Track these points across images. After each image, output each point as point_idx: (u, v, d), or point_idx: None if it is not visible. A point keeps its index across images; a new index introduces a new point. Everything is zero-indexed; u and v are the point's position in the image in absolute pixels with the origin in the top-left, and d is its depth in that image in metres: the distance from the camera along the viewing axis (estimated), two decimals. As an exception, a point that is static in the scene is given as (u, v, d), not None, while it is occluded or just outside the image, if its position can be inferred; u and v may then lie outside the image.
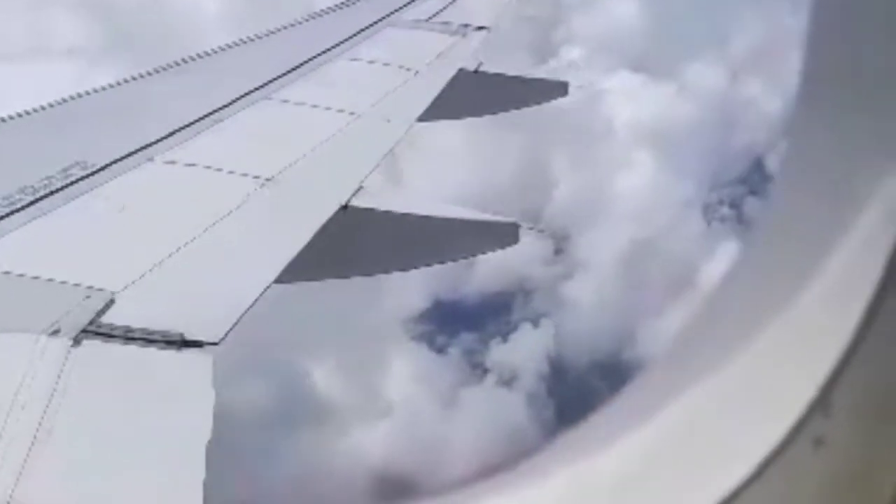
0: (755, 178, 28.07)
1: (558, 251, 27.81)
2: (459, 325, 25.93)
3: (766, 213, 2.30)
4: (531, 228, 5.61)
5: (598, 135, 31.03)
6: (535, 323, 26.45)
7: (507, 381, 25.01)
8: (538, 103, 8.20)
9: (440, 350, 25.39)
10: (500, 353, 25.60)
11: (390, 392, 23.58)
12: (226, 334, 3.58)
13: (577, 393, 23.89)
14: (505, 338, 25.92)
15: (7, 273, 3.84)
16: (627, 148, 31.18)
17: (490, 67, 8.00)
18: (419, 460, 20.92)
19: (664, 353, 2.22)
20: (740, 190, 29.21)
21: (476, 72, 7.84)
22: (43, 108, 6.06)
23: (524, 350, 25.65)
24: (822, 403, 1.72)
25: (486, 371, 25.38)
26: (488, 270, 24.75)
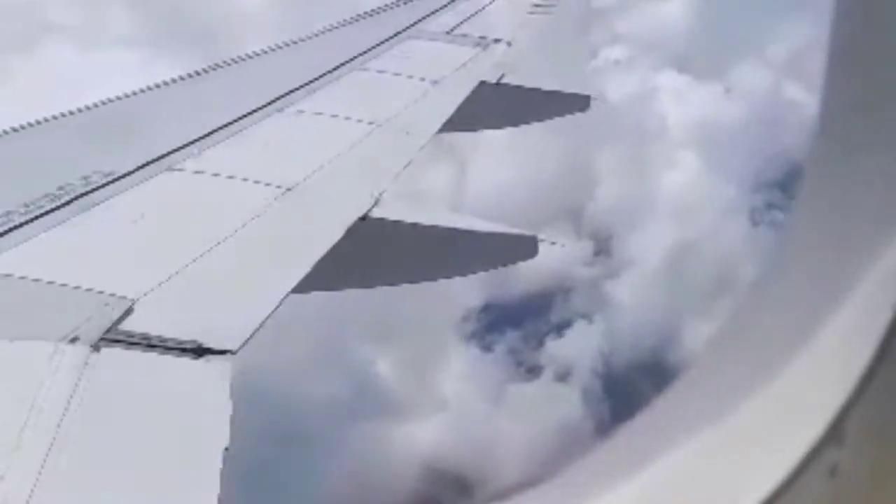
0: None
1: (599, 252, 27.78)
2: (508, 324, 25.99)
3: (781, 243, 2.29)
4: (553, 243, 5.59)
5: (643, 134, 31.00)
6: (581, 322, 26.42)
7: (563, 377, 25.06)
8: (560, 116, 8.20)
9: (490, 348, 25.46)
10: (554, 350, 25.64)
11: (444, 389, 23.66)
12: (244, 343, 3.59)
13: (627, 391, 23.86)
14: (559, 334, 25.95)
15: (27, 279, 3.86)
16: (673, 148, 31.09)
17: (517, 79, 7.99)
18: (473, 456, 20.93)
19: (682, 380, 2.21)
20: (785, 193, 29.03)
21: (497, 84, 7.84)
22: (66, 114, 6.10)
23: (578, 347, 25.66)
24: (835, 433, 1.71)
25: (540, 368, 25.43)
26: (529, 271, 24.82)
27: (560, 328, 26.47)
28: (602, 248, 28.26)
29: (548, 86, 8.21)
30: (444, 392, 23.76)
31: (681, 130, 31.36)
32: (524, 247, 5.43)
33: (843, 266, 1.80)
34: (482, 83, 7.71)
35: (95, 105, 6.31)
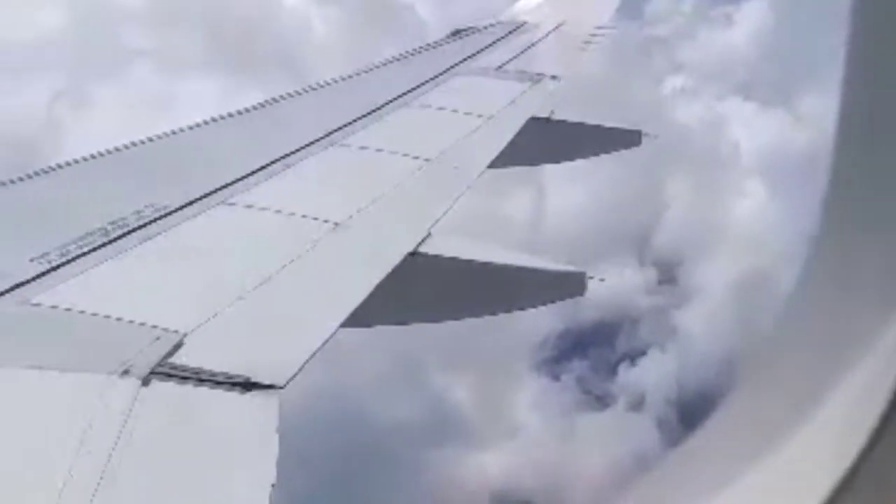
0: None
1: (663, 281, 27.54)
2: (577, 354, 25.89)
3: (777, 329, 2.27)
4: (602, 279, 5.56)
5: (710, 162, 30.80)
6: (652, 351, 26.19)
7: (636, 406, 24.86)
8: (610, 152, 8.19)
9: (559, 376, 25.35)
10: (626, 379, 25.45)
11: (515, 418, 23.59)
12: (292, 377, 3.60)
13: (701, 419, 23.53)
14: (632, 363, 25.76)
15: (80, 312, 3.90)
16: (741, 175, 30.79)
17: (568, 114, 7.99)
18: (544, 484, 20.82)
19: (664, 467, 2.19)
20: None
21: (548, 119, 7.85)
22: (120, 148, 6.19)
23: (650, 376, 25.46)
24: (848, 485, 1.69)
25: (613, 397, 25.24)
26: (593, 301, 24.74)
27: (631, 357, 26.29)
28: (667, 276, 28.03)
29: (598, 121, 8.20)
30: (516, 421, 23.68)
31: (748, 158, 31.07)
32: (573, 283, 5.41)
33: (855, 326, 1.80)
34: (533, 119, 7.72)
35: (152, 139, 6.41)
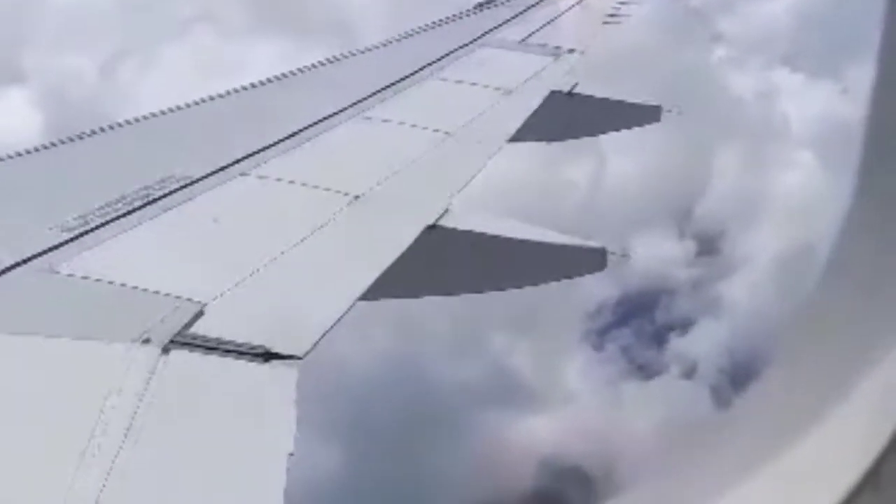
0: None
1: (702, 252, 27.42)
2: (625, 323, 25.85)
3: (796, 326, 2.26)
4: (624, 255, 5.56)
5: (757, 133, 30.52)
6: (698, 320, 26.08)
7: (688, 374, 24.83)
8: (631, 127, 8.16)
9: (608, 346, 25.34)
10: (677, 348, 25.41)
11: (566, 384, 23.61)
12: (311, 349, 3.63)
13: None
14: (682, 332, 25.72)
15: (102, 281, 3.95)
16: (788, 147, 30.50)
17: (590, 89, 7.95)
18: (595, 451, 20.85)
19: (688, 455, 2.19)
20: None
21: (569, 94, 7.82)
22: (145, 117, 6.24)
23: (699, 345, 25.39)
24: (872, 479, 1.69)
25: (664, 365, 25.22)
26: (636, 271, 24.65)
27: (680, 326, 26.19)
28: (707, 248, 27.87)
29: (624, 96, 8.16)
30: (566, 388, 23.70)
31: (796, 129, 30.73)
32: (592, 259, 5.42)
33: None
34: (554, 93, 7.70)
35: (180, 107, 6.45)
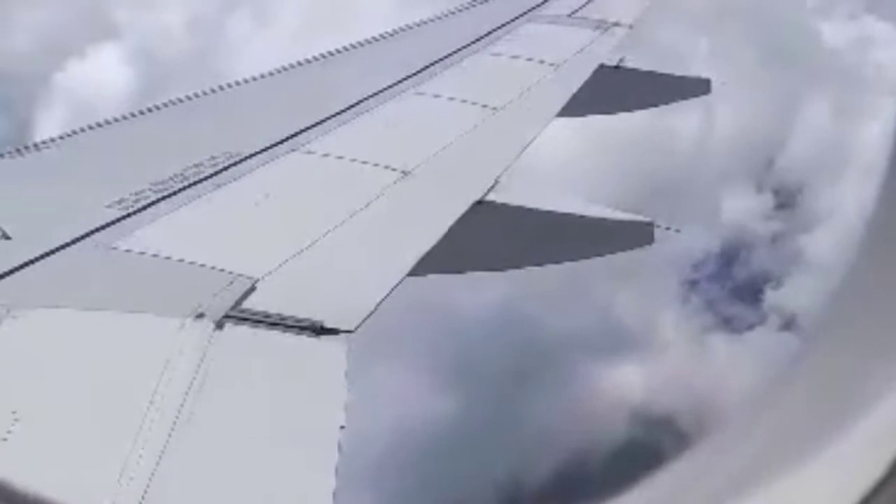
0: None
1: (780, 206, 27.09)
2: (716, 277, 25.69)
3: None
4: (673, 229, 5.54)
5: (845, 83, 29.99)
6: (792, 272, 25.84)
7: (787, 326, 24.65)
8: (678, 100, 8.12)
9: (705, 298, 25.17)
10: (774, 300, 25.22)
11: (661, 335, 23.52)
12: (361, 322, 3.69)
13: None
14: (778, 284, 25.50)
15: (158, 256, 4.03)
16: (875, 97, 29.92)
17: (637, 62, 7.92)
18: (690, 402, 20.75)
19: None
20: None
21: (617, 67, 7.79)
22: (196, 96, 6.31)
23: (798, 297, 25.18)
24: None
25: (763, 316, 25.03)
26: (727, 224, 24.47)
27: (776, 279, 25.93)
28: (785, 202, 27.47)
29: (667, 69, 8.12)
30: (660, 339, 23.57)
31: (886, 78, 30.06)
32: (640, 233, 5.42)
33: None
34: (602, 66, 7.68)
35: (231, 85, 6.53)
